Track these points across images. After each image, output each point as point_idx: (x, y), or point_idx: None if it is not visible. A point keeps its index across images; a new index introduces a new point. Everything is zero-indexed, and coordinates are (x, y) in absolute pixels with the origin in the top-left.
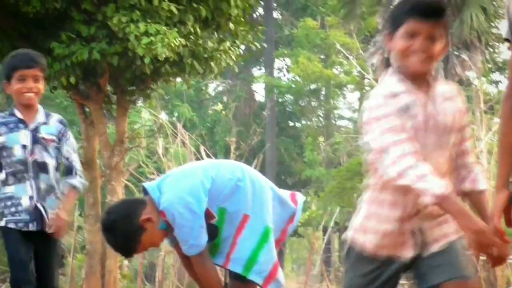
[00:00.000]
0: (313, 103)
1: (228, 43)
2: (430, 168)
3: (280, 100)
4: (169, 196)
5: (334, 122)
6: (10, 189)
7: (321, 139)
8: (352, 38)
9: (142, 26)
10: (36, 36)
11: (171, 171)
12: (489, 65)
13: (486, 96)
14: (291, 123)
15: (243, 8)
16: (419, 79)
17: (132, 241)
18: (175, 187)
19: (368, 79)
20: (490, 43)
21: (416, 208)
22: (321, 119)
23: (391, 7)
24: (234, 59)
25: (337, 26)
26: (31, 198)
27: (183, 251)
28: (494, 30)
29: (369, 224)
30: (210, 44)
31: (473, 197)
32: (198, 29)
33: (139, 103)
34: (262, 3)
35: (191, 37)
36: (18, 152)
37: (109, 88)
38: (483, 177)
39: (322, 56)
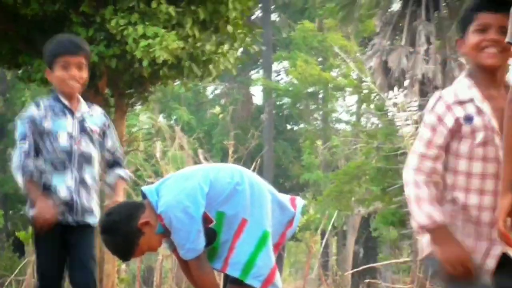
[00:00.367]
0: (311, 106)
1: (226, 46)
2: (431, 194)
3: (278, 103)
4: (166, 199)
5: (332, 125)
6: (47, 178)
7: (319, 142)
8: (350, 41)
9: (140, 28)
10: (35, 38)
11: (169, 174)
12: None
13: None
14: (289, 126)
15: (241, 10)
16: (494, 78)
17: (130, 244)
18: (173, 191)
19: (366, 82)
20: None
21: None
22: (319, 122)
23: (389, 10)
24: (233, 62)
25: (335, 28)
26: (69, 188)
27: (181, 255)
28: None
29: None
30: (208, 47)
31: None
32: (196, 32)
33: (137, 106)
34: (260, 5)
35: (189, 40)
36: (63, 140)
37: (107, 90)
38: None
39: (320, 59)
